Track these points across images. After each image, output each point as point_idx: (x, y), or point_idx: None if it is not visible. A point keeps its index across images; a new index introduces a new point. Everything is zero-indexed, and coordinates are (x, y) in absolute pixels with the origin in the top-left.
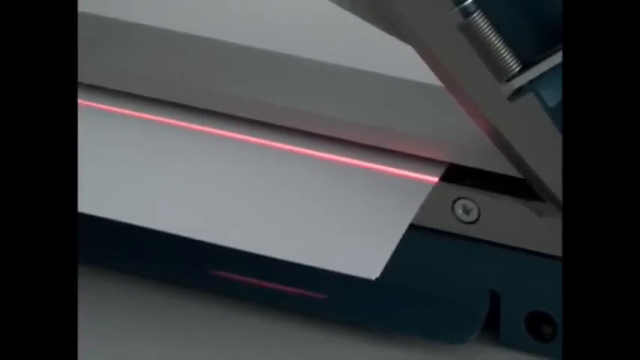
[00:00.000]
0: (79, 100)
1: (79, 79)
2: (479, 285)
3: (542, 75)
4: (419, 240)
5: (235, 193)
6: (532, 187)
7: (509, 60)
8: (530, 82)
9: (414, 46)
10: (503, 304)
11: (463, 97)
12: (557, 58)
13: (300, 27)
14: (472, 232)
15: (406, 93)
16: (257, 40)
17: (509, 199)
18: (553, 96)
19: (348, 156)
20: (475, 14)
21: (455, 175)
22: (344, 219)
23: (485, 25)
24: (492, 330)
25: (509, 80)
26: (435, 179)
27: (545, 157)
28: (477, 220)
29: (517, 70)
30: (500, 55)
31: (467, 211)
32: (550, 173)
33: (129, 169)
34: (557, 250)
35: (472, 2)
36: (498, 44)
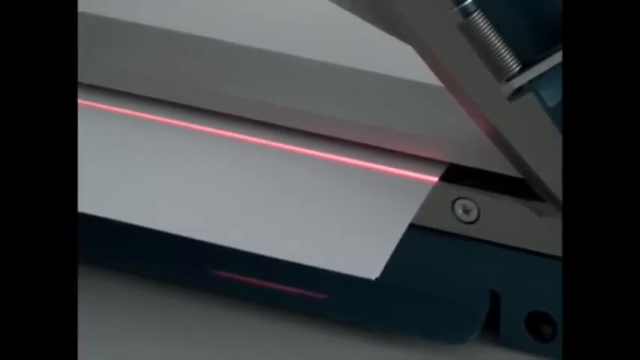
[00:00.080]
0: (79, 100)
1: (79, 79)
2: (479, 285)
3: (542, 75)
4: (419, 240)
5: (235, 193)
6: (532, 187)
7: (509, 60)
8: (530, 82)
9: (413, 46)
10: (503, 304)
11: (463, 97)
12: (557, 58)
13: (300, 27)
14: (472, 232)
15: (406, 93)
16: (257, 40)
17: (509, 199)
18: (553, 96)
19: (348, 156)
20: (475, 14)
21: (455, 175)
22: (344, 219)
23: (485, 25)
24: (492, 330)
25: (509, 80)
26: (435, 179)
27: (545, 157)
28: (476, 220)
29: (517, 69)
30: (500, 54)
31: (467, 211)
32: (550, 173)
33: (129, 169)
34: (557, 250)
35: (472, 2)
36: (498, 44)
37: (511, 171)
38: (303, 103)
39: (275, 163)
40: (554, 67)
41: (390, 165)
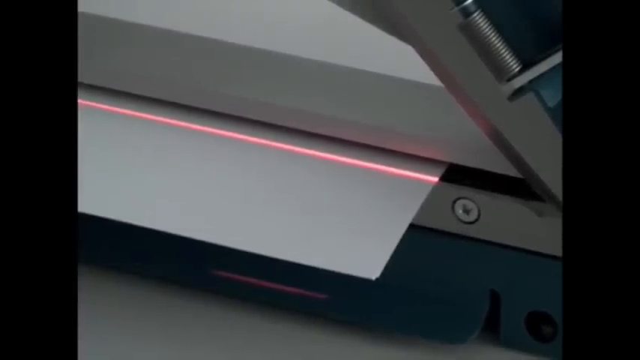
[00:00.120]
0: (79, 100)
1: (79, 79)
2: (479, 285)
3: (542, 75)
4: (419, 240)
5: (235, 193)
6: (532, 187)
7: (510, 60)
8: (531, 82)
9: (414, 46)
10: (504, 304)
11: (463, 97)
12: (557, 58)
13: (300, 27)
14: (472, 232)
15: (406, 93)
16: (257, 40)
17: (509, 199)
18: (553, 96)
19: (348, 156)
20: (475, 14)
21: (455, 175)
22: (344, 219)
23: (486, 25)
24: (492, 330)
25: (509, 80)
26: (435, 179)
27: (545, 157)
28: (477, 220)
29: (517, 70)
30: (501, 55)
31: (467, 211)
32: (550, 173)
33: (129, 169)
34: (557, 250)
35: (472, 2)
36: (498, 44)
37: (511, 171)
38: (303, 103)
39: (275, 163)
40: (554, 67)
41: (390, 165)
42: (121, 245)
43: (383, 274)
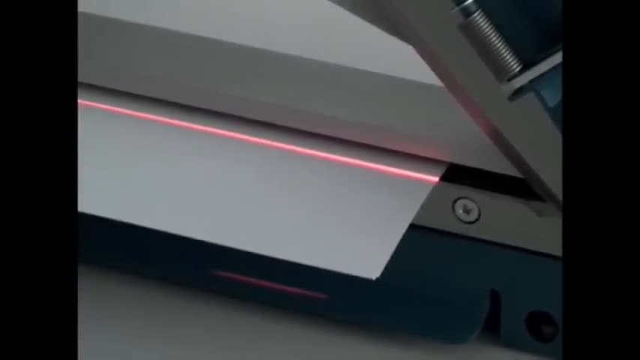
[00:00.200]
0: (79, 100)
1: (79, 79)
2: (479, 285)
3: (542, 75)
4: (419, 240)
5: (236, 193)
6: (532, 186)
7: (510, 60)
8: (531, 81)
9: (414, 46)
10: (504, 304)
11: (463, 96)
12: (557, 58)
13: (300, 27)
14: (472, 231)
15: (407, 93)
16: (258, 40)
17: (509, 199)
18: (553, 96)
19: (348, 156)
20: (475, 14)
21: (455, 174)
22: (344, 219)
23: (486, 25)
24: (493, 330)
25: (509, 80)
26: (436, 179)
27: (546, 157)
28: (477, 219)
29: (517, 69)
30: (501, 54)
31: (467, 211)
32: (550, 173)
33: (129, 169)
34: (557, 249)
35: (472, 2)
36: (499, 44)
37: (511, 171)
38: (303, 103)
39: (275, 163)
40: (554, 67)
41: (390, 165)
42: (122, 245)
43: (383, 274)
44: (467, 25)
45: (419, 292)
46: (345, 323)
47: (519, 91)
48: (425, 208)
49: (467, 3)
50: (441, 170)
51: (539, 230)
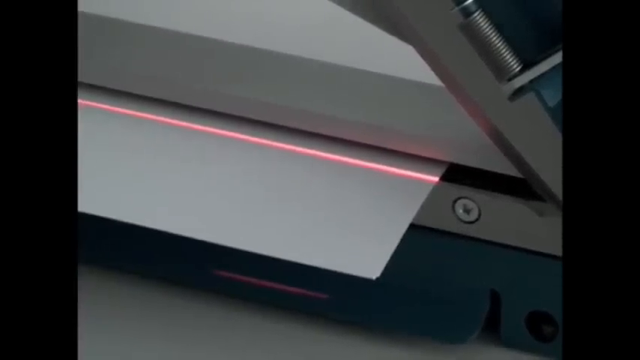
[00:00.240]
0: (79, 100)
1: (80, 79)
2: (479, 285)
3: (542, 75)
4: (419, 240)
5: (236, 193)
6: (532, 186)
7: (510, 60)
8: (531, 81)
9: (414, 46)
10: (504, 304)
11: (463, 96)
12: (557, 58)
13: (300, 27)
14: (472, 231)
15: (407, 93)
16: (258, 40)
17: (509, 199)
18: (553, 96)
19: (348, 156)
20: (476, 14)
21: (455, 174)
22: (345, 219)
23: (486, 25)
24: (493, 330)
25: (509, 80)
26: (436, 179)
27: (546, 157)
28: (477, 219)
29: (518, 69)
30: (501, 54)
31: (467, 211)
32: (550, 173)
33: (129, 168)
34: (557, 249)
35: (473, 2)
36: (499, 44)
37: (512, 171)
38: (303, 103)
39: (276, 163)
40: (554, 67)
41: (390, 165)
42: (122, 245)
43: (383, 273)
44: (467, 25)
45: (419, 292)
46: (346, 323)
47: (519, 91)
48: (425, 207)
49: (467, 3)
50: (441, 170)
51: (540, 230)
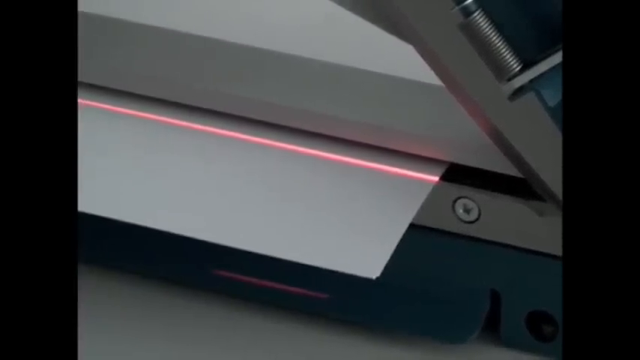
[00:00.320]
0: (80, 100)
1: (80, 79)
2: (479, 284)
3: (542, 74)
4: (419, 239)
5: (237, 193)
6: (532, 186)
7: (510, 59)
8: (531, 81)
9: (414, 46)
10: (504, 304)
11: (464, 96)
12: (557, 58)
13: (300, 26)
14: (472, 231)
15: (407, 92)
16: (259, 40)
17: (509, 199)
18: (553, 95)
19: (348, 155)
20: (476, 14)
21: (455, 174)
22: (345, 218)
23: (486, 25)
24: (493, 330)
25: (509, 80)
26: (436, 179)
27: (546, 157)
28: (477, 219)
29: (518, 69)
30: (501, 54)
31: (467, 211)
32: (550, 173)
33: (130, 168)
34: (557, 249)
35: (473, 2)
36: (499, 44)
37: (512, 170)
38: (303, 103)
39: (275, 163)
40: (554, 67)
41: (390, 165)
42: (122, 245)
43: (383, 273)
44: (467, 24)
45: (419, 291)
46: (346, 323)
47: (519, 91)
48: (425, 207)
49: (467, 2)
50: (441, 170)
51: (540, 230)
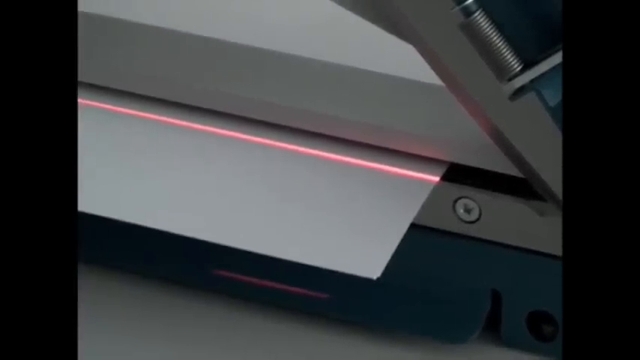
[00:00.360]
0: (80, 100)
1: (80, 79)
2: (480, 284)
3: (543, 74)
4: (420, 239)
5: (237, 193)
6: (533, 186)
7: (511, 59)
8: (532, 81)
9: (414, 46)
10: (505, 304)
11: (464, 96)
12: (558, 58)
13: (301, 27)
14: (473, 231)
15: (407, 92)
16: (259, 40)
17: (510, 199)
18: (554, 95)
19: (349, 156)
20: (476, 13)
21: (456, 174)
22: (345, 218)
23: (487, 25)
24: (493, 329)
25: (510, 79)
26: (436, 179)
27: (546, 157)
28: (478, 219)
29: (518, 69)
30: (502, 54)
31: (468, 211)
32: (551, 172)
33: (130, 168)
34: (558, 249)
35: (473, 2)
36: (499, 43)
37: (512, 170)
38: (304, 103)
39: (275, 163)
40: (555, 67)
41: (391, 165)
42: (122, 245)
43: (384, 273)
44: (467, 24)
45: (420, 291)
46: (347, 323)
47: (520, 91)
48: (426, 207)
49: (467, 2)
50: (442, 170)
51: (540, 230)
